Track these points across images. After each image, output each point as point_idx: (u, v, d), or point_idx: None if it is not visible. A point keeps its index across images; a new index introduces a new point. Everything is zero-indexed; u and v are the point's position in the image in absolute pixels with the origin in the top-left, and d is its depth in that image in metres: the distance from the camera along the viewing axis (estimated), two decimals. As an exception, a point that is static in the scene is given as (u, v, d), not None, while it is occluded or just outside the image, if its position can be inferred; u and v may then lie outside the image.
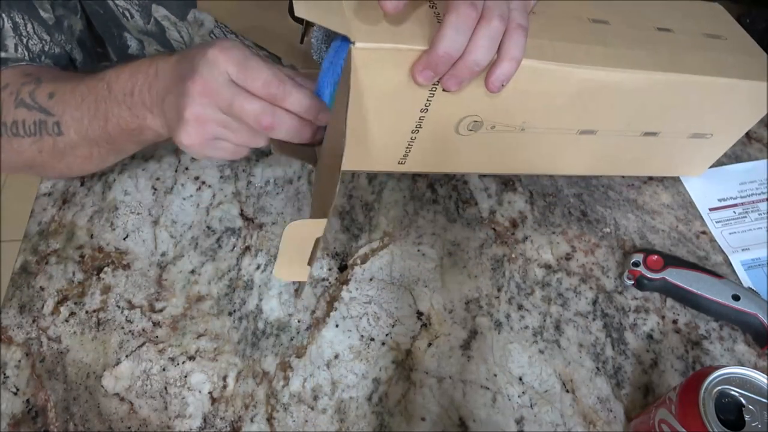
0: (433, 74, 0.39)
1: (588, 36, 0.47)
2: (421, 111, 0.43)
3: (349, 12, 0.39)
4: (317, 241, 0.40)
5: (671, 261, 0.51)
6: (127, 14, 0.59)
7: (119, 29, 0.61)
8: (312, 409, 0.48)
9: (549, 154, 0.53)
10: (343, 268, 0.55)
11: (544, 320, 0.52)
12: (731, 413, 0.36)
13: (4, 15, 0.52)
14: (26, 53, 0.54)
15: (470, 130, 0.47)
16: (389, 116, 0.43)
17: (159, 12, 0.60)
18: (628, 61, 0.46)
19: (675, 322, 0.51)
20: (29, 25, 0.54)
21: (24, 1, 0.53)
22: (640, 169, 0.60)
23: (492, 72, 0.39)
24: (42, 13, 0.54)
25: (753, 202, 0.57)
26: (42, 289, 0.55)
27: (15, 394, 0.50)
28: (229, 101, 0.40)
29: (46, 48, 0.55)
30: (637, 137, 0.53)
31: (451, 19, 0.37)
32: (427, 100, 0.43)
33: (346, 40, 0.38)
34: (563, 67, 0.44)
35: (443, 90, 0.41)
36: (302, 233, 0.39)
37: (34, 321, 0.53)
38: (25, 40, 0.54)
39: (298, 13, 0.37)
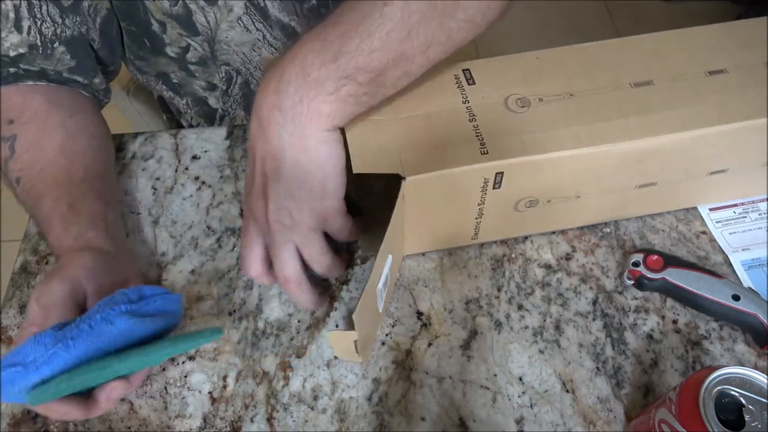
0: None
1: (626, 107, 0.48)
2: (478, 205, 0.49)
3: (399, 157, 0.46)
4: (355, 342, 0.45)
5: (671, 261, 0.51)
6: None
7: (144, 9, 0.60)
8: (312, 409, 0.48)
9: (611, 208, 0.54)
10: (343, 268, 0.55)
11: (544, 320, 0.52)
12: (731, 413, 0.36)
13: None
14: (38, 37, 0.54)
15: (528, 207, 0.51)
16: (453, 213, 0.50)
17: None
18: (670, 124, 0.47)
19: (675, 322, 0.51)
20: (44, 7, 0.53)
21: None
22: (717, 198, 0.57)
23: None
24: None
25: (753, 202, 0.57)
26: (42, 289, 0.55)
27: (15, 394, 0.50)
28: None
29: (59, 31, 0.55)
30: (704, 177, 0.52)
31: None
32: (481, 199, 0.48)
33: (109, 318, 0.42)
34: (599, 147, 0.46)
35: None
36: (341, 337, 0.46)
37: (34, 321, 0.53)
38: (38, 23, 0.53)
39: (356, 170, 0.44)
